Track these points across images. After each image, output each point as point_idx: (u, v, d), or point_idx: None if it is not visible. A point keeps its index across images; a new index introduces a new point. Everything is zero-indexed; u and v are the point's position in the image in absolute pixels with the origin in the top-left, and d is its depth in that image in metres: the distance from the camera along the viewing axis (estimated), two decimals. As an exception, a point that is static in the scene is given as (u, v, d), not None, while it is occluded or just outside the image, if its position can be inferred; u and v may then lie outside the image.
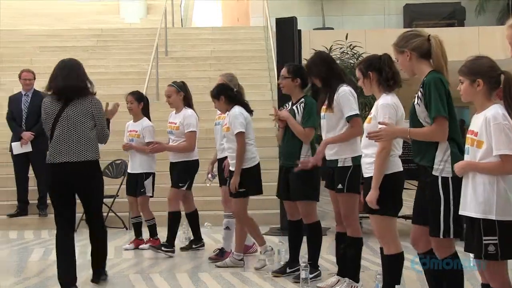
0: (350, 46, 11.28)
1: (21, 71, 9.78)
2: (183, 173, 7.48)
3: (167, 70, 13.97)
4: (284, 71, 6.26)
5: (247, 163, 6.52)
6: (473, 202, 3.84)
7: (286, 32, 8.97)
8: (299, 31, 9.27)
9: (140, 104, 7.83)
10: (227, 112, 6.70)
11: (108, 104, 6.14)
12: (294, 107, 6.14)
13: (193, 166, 7.55)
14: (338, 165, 5.60)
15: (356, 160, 5.47)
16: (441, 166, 4.18)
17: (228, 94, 6.69)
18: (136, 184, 7.77)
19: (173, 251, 7.44)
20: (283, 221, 8.47)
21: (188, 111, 7.53)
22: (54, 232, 5.59)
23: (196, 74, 14.09)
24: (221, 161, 7.17)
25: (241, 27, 18.99)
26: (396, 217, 4.90)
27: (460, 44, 14.17)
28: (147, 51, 14.50)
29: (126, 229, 9.03)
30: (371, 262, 6.77)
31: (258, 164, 6.66)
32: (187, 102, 7.62)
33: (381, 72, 4.88)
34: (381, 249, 4.96)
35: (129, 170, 7.96)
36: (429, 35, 4.36)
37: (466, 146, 3.96)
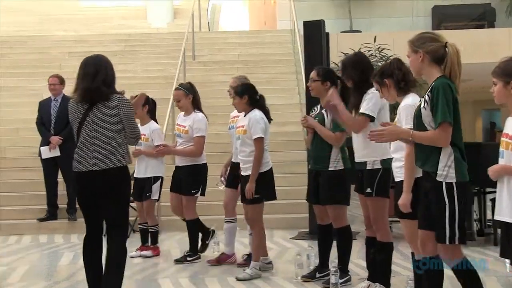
0: (378, 48, 11.20)
1: (49, 77, 9.86)
2: (191, 178, 7.30)
3: (194, 74, 13.97)
4: (313, 74, 6.21)
5: (261, 168, 6.42)
6: (509, 206, 3.77)
7: (314, 35, 8.92)
8: (327, 34, 9.22)
9: (144, 107, 7.59)
10: (243, 113, 6.64)
11: (132, 97, 5.76)
12: (323, 111, 6.09)
13: (201, 170, 7.36)
14: (367, 168, 5.55)
15: (386, 163, 5.41)
16: (444, 171, 4.12)
17: (253, 95, 6.60)
18: (143, 189, 7.66)
19: (198, 257, 7.38)
20: (312, 225, 8.41)
21: (199, 115, 7.33)
22: (83, 236, 5.55)
23: (223, 78, 14.05)
24: (236, 164, 6.94)
25: (268, 31, 18.96)
26: None
27: (490, 45, 14.03)
28: (174, 55, 14.52)
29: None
30: (402, 267, 6.69)
31: (271, 169, 6.56)
32: (196, 104, 7.40)
33: (393, 76, 4.89)
34: (412, 253, 4.89)
35: (135, 175, 7.71)
36: (446, 42, 4.28)
37: (501, 149, 3.89)
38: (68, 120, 5.53)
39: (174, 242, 8.67)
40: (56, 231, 9.60)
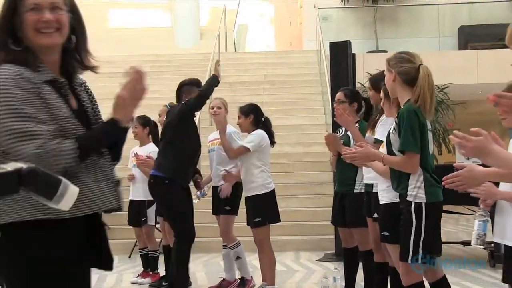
0: (404, 68, 11.15)
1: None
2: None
3: (220, 95, 13.87)
4: (340, 95, 6.12)
5: (259, 190, 6.28)
6: None
7: (340, 55, 8.90)
8: (353, 54, 9.21)
9: (145, 128, 7.44)
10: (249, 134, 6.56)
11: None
12: (348, 133, 6.02)
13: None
14: (373, 191, 5.29)
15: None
16: (414, 192, 4.11)
17: (258, 116, 6.59)
18: (138, 213, 7.35)
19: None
20: (338, 247, 8.34)
21: None
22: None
23: (249, 98, 13.96)
24: (216, 189, 6.87)
25: (294, 51, 19.01)
26: None
27: (517, 65, 13.88)
28: (201, 76, 14.49)
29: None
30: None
31: (273, 191, 6.38)
32: None
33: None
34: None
35: (131, 197, 7.43)
36: (420, 64, 4.25)
37: None
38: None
39: (199, 264, 8.65)
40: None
